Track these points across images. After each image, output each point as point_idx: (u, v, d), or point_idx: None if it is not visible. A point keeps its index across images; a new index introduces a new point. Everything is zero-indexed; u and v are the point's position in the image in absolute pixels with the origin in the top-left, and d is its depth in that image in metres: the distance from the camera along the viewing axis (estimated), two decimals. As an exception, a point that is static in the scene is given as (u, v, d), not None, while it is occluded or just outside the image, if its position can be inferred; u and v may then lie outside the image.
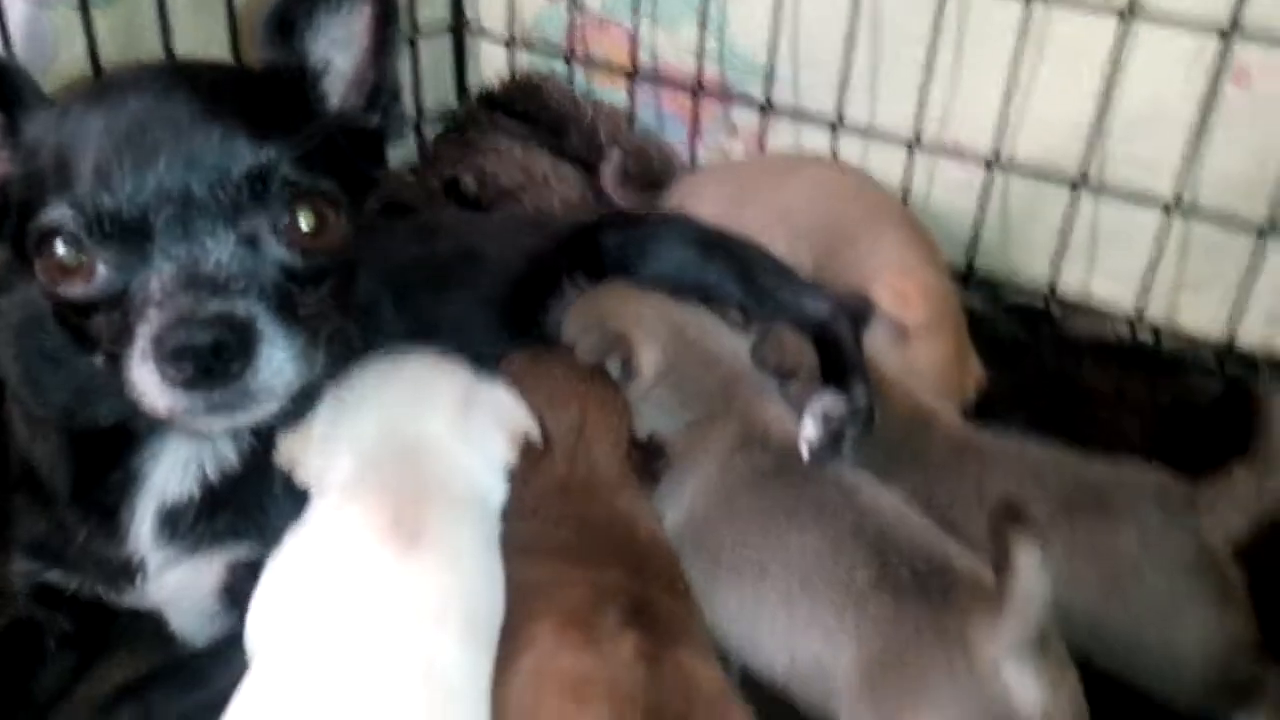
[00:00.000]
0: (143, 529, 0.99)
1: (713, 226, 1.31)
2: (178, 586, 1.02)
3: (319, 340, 0.87)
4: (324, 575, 0.90)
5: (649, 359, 1.14)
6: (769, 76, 1.72)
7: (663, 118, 1.90)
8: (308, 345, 0.85)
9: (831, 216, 1.53)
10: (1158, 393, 1.53)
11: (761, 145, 1.78)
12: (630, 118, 1.88)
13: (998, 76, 1.54)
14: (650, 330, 1.15)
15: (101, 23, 1.35)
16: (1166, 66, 1.46)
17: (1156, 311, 1.60)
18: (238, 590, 1.00)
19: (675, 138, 1.90)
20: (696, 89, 1.78)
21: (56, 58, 1.33)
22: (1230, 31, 1.39)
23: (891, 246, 1.47)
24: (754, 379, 1.16)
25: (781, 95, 1.74)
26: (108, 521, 0.99)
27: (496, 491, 1.00)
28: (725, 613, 1.02)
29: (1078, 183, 1.55)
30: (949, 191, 1.67)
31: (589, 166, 1.88)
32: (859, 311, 1.26)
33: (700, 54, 1.75)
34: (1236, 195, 1.49)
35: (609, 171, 1.78)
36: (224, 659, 0.98)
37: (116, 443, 0.97)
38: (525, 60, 1.95)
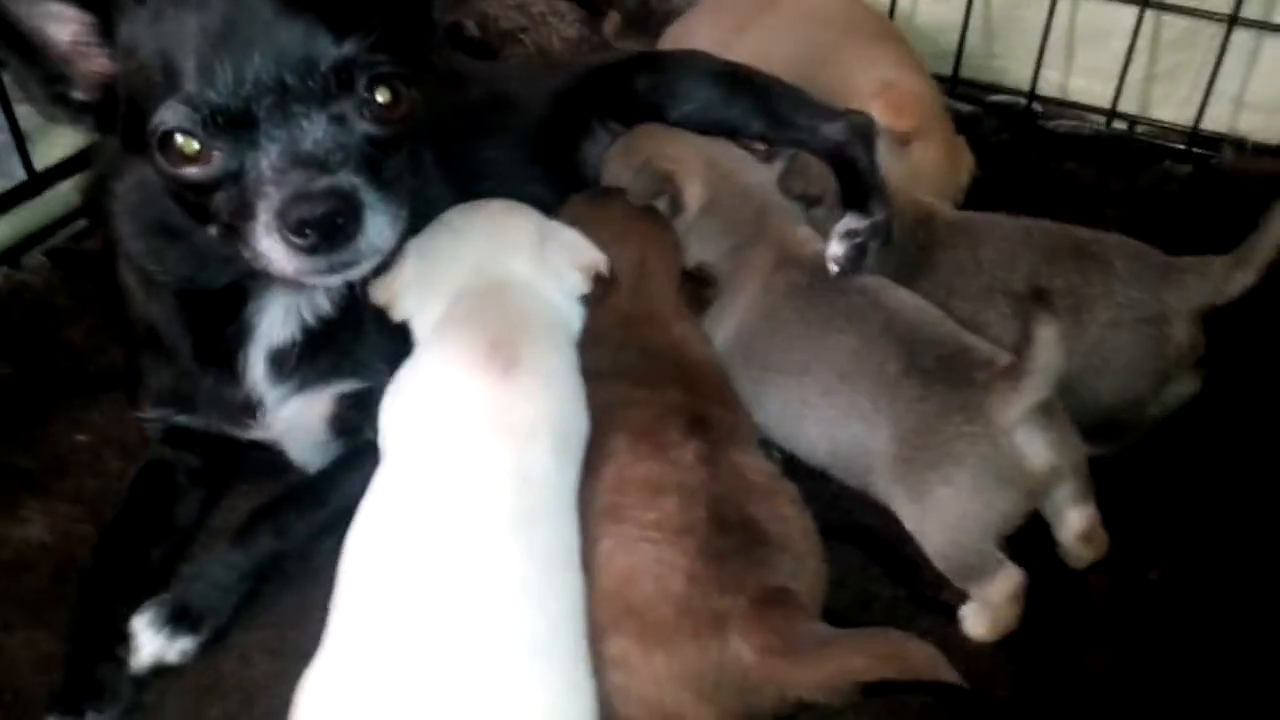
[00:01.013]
0: (257, 370, 1.13)
1: (730, 63, 1.39)
2: (292, 419, 1.16)
3: (404, 199, 0.98)
4: (435, 398, 1.04)
5: (693, 194, 1.26)
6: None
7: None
8: (398, 205, 0.96)
9: (818, 38, 1.61)
10: (1134, 178, 1.68)
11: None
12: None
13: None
14: (691, 169, 1.27)
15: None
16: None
17: (1129, 104, 1.73)
18: (344, 420, 1.16)
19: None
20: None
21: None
22: None
23: (877, 61, 1.57)
24: (783, 205, 1.28)
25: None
26: (226, 367, 1.13)
27: (575, 319, 1.13)
28: (774, 411, 1.18)
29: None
30: (934, 3, 1.76)
31: (586, 3, 1.95)
32: (864, 129, 1.36)
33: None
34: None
35: (610, 26, 1.85)
36: (337, 481, 1.15)
37: (228, 300, 1.10)
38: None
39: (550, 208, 1.25)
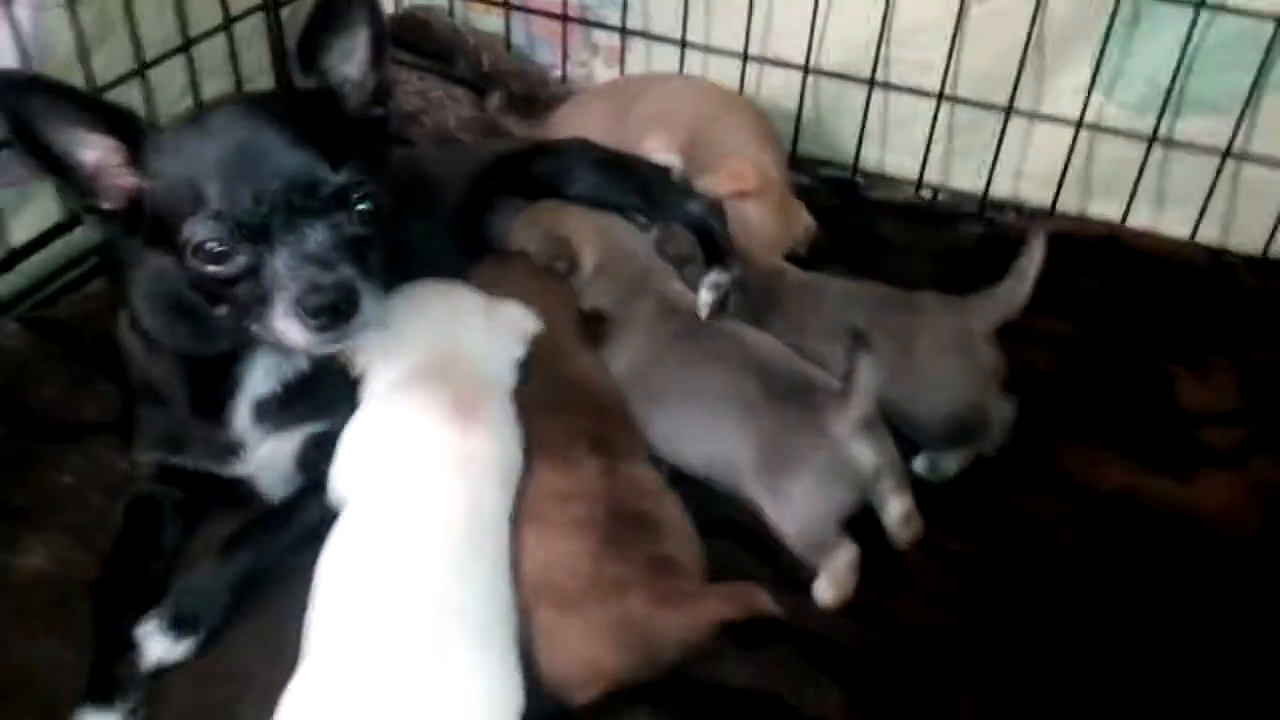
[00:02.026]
0: (243, 418, 1.35)
1: (612, 150, 1.68)
2: (268, 457, 1.37)
3: (382, 280, 1.24)
4: (403, 442, 1.27)
5: (589, 257, 1.53)
6: (624, 6, 2.10)
7: (533, 40, 2.25)
8: (380, 286, 1.22)
9: (693, 114, 1.89)
10: (937, 238, 1.99)
11: (621, 61, 2.16)
12: (507, 43, 2.22)
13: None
14: (586, 236, 1.54)
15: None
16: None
17: (932, 176, 2.09)
18: (310, 457, 1.38)
19: (544, 58, 2.25)
20: (565, 16, 2.13)
21: (53, 56, 1.57)
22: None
23: (732, 133, 1.85)
24: (661, 265, 1.57)
25: (633, 21, 2.13)
26: (216, 416, 1.34)
27: (510, 379, 1.37)
28: (660, 431, 1.44)
29: (871, 81, 2.01)
30: (773, 92, 2.09)
31: (476, 88, 2.21)
32: (718, 205, 1.66)
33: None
34: (986, 86, 1.97)
35: (493, 104, 2.12)
36: (302, 506, 1.37)
37: (222, 361, 1.32)
38: (407, -1, 2.25)
39: (464, 271, 1.50)
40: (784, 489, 1.35)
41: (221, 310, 1.22)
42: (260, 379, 1.34)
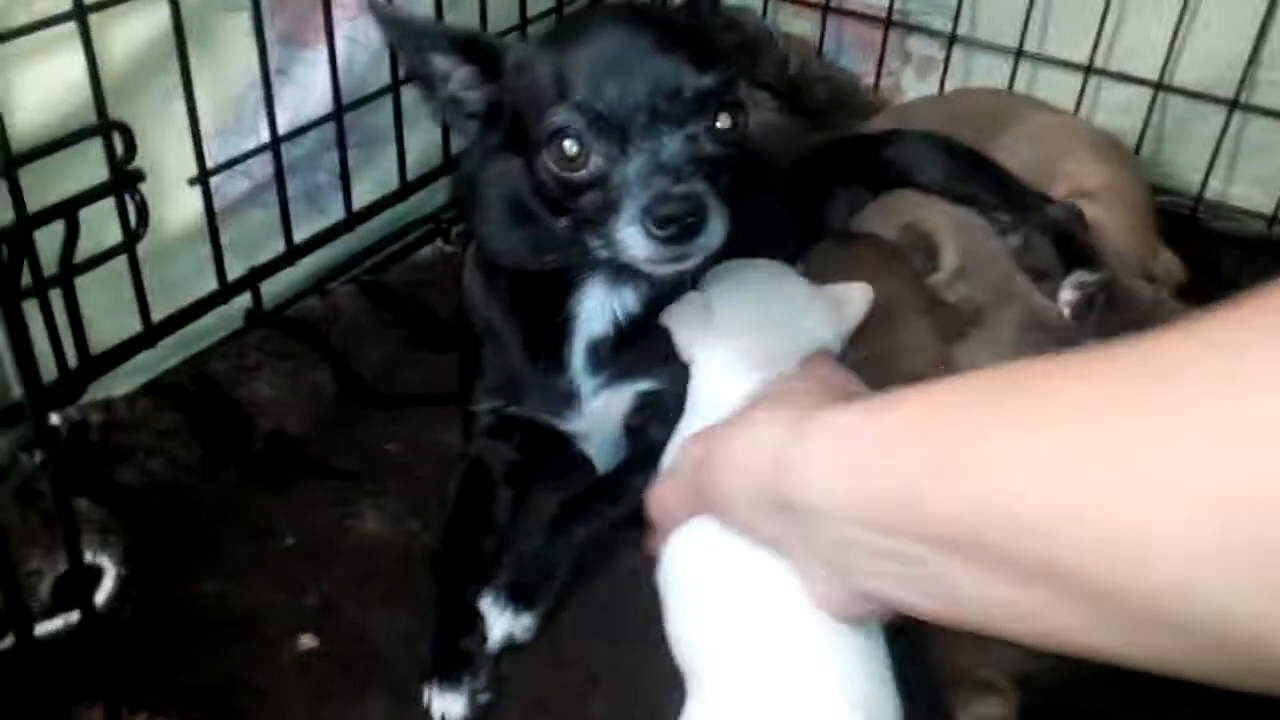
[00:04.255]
0: (577, 361, 1.29)
1: (965, 145, 1.57)
2: (601, 412, 1.32)
3: (728, 209, 1.15)
4: None
5: (949, 255, 1.43)
6: (956, 12, 1.99)
7: (843, 45, 2.16)
8: (726, 213, 1.13)
9: (1042, 159, 1.70)
10: None
11: (944, 72, 2.05)
12: (819, 48, 2.15)
13: (1166, 11, 1.82)
14: (947, 232, 1.44)
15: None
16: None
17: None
18: (637, 418, 1.32)
19: (853, 64, 2.17)
20: (889, 21, 2.04)
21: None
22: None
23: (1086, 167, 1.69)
24: (1021, 274, 1.45)
25: (960, 27, 2.02)
26: (552, 358, 1.30)
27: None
28: None
29: (1234, 103, 1.84)
30: (1111, 112, 1.95)
31: (778, 91, 2.14)
32: (1079, 212, 1.52)
33: (893, -6, 2.02)
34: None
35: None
36: (631, 480, 1.29)
37: (553, 293, 1.27)
38: (722, -2, 2.19)
39: (792, 249, 1.43)
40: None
41: (563, 221, 1.18)
42: (593, 318, 1.28)
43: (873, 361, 1.27)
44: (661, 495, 1.10)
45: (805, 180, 1.58)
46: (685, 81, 1.12)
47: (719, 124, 1.14)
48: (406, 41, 1.22)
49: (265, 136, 1.40)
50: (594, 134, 1.11)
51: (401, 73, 1.55)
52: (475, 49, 1.21)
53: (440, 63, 1.21)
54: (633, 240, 1.11)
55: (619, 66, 1.12)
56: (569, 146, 1.12)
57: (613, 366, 1.31)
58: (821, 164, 1.60)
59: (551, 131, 1.13)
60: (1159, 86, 1.87)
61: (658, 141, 1.11)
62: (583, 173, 1.13)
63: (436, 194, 1.71)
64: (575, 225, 1.17)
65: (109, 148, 1.21)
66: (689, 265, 1.14)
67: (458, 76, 1.22)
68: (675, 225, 1.09)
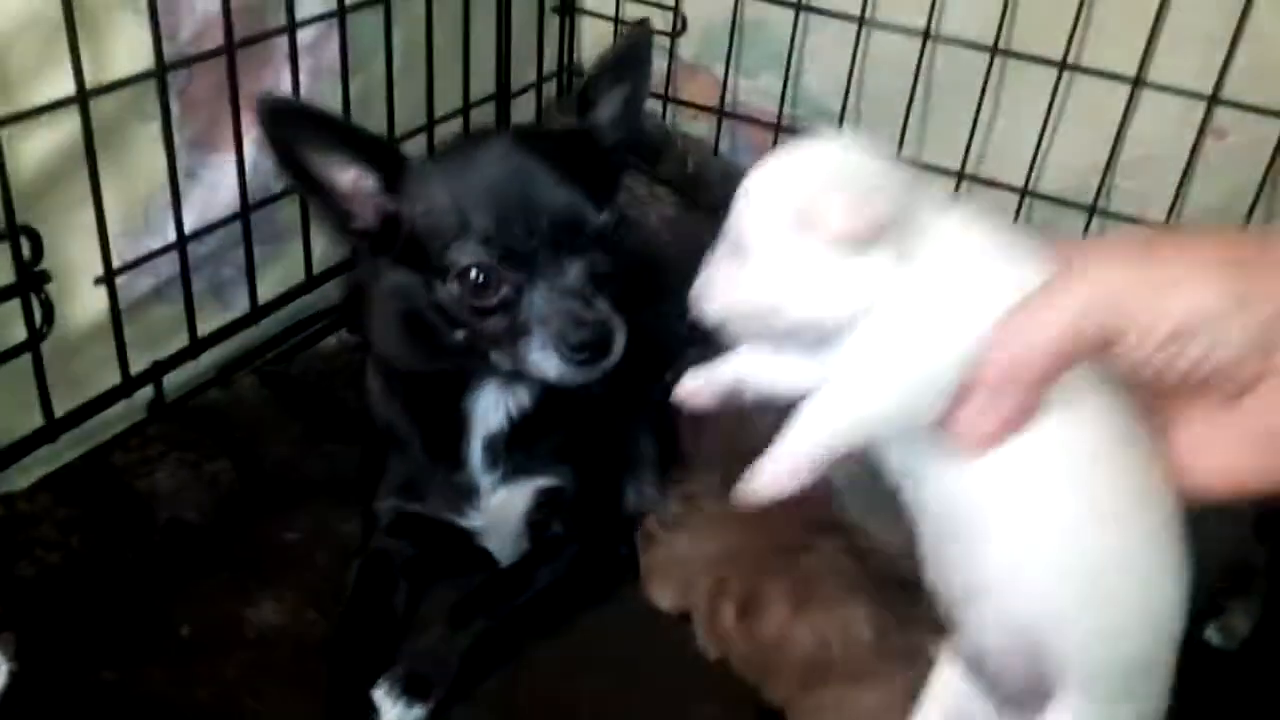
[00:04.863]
0: (475, 458, 1.35)
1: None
2: (500, 508, 1.38)
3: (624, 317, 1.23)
4: None
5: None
6: (840, 117, 2.11)
7: (737, 148, 2.28)
8: (623, 322, 1.22)
9: None
10: None
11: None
12: (715, 148, 2.26)
13: (1032, 125, 1.97)
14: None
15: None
16: (1161, 123, 1.89)
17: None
18: (539, 515, 1.38)
19: (748, 163, 2.26)
20: (779, 126, 2.17)
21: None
22: (1212, 98, 1.82)
23: None
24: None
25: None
26: (451, 456, 1.35)
27: None
28: None
29: (1091, 209, 1.99)
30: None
31: (678, 188, 2.24)
32: None
33: (782, 99, 2.14)
34: (1214, 222, 1.92)
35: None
36: (532, 573, 1.37)
37: (448, 393, 1.33)
38: (621, 97, 2.30)
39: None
40: None
41: (460, 334, 1.23)
42: (488, 413, 1.34)
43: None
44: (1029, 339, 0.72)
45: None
46: (587, 218, 1.20)
47: (611, 244, 1.23)
48: (303, 136, 1.20)
49: (172, 235, 1.44)
50: (502, 267, 1.18)
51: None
52: (381, 156, 1.24)
53: (335, 166, 1.22)
54: (545, 363, 1.19)
55: (524, 199, 1.18)
56: (475, 277, 1.18)
57: (510, 463, 1.36)
58: None
59: (460, 265, 1.18)
60: (1025, 193, 2.02)
61: (561, 269, 1.19)
62: (491, 300, 1.19)
63: (340, 286, 1.76)
64: (475, 338, 1.23)
65: (16, 252, 1.25)
66: (595, 376, 1.22)
67: (353, 183, 1.23)
68: (589, 349, 1.17)
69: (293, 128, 1.21)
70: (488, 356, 1.25)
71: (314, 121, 1.23)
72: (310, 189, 1.23)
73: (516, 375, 1.28)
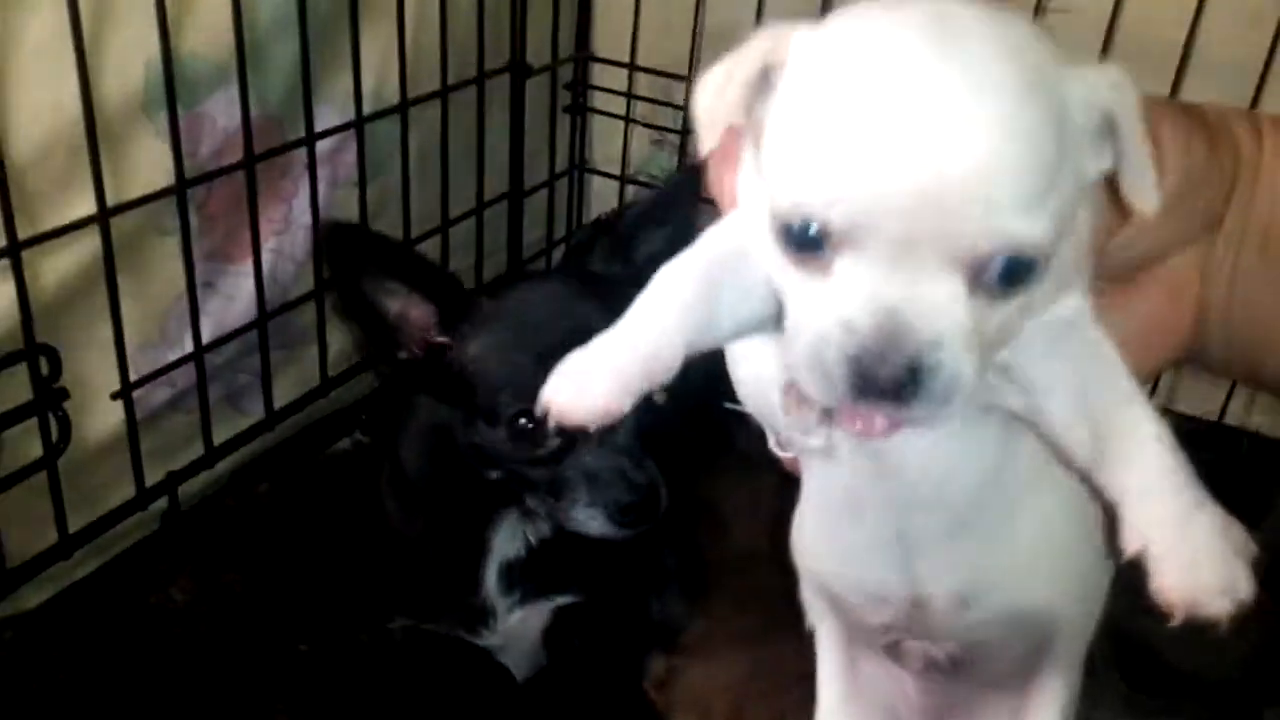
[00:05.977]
0: (490, 581, 1.34)
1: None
2: (518, 629, 1.36)
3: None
4: None
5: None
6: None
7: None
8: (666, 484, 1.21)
9: None
10: None
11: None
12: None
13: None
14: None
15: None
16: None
17: None
18: (557, 633, 1.36)
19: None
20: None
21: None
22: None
23: None
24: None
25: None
26: (467, 579, 1.34)
27: None
28: None
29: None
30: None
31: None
32: None
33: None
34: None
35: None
36: (546, 688, 1.35)
37: (468, 519, 1.32)
38: (631, 192, 2.30)
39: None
40: None
41: (493, 474, 1.23)
42: (505, 541, 1.33)
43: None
44: None
45: None
46: None
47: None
48: (365, 262, 1.19)
49: (189, 346, 1.44)
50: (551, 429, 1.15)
51: (325, 275, 1.56)
52: (444, 289, 1.23)
53: (394, 294, 1.21)
54: (590, 522, 1.19)
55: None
56: (526, 424, 1.17)
57: (527, 585, 1.35)
58: None
59: (510, 412, 1.17)
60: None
61: (613, 426, 1.18)
62: (539, 451, 1.19)
63: (354, 387, 1.76)
64: (512, 481, 1.23)
65: (34, 370, 1.25)
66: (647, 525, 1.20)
67: (408, 312, 1.22)
68: (633, 513, 1.17)
69: (355, 253, 1.21)
70: (521, 498, 1.24)
71: (377, 247, 1.23)
72: (361, 316, 1.23)
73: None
